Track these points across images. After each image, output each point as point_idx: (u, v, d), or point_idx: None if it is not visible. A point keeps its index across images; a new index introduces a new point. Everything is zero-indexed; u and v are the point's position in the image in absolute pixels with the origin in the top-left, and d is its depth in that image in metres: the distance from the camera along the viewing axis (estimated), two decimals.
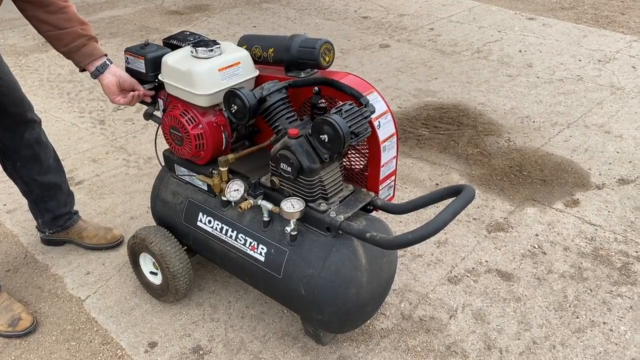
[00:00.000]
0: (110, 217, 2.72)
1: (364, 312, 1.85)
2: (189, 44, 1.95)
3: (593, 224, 2.67)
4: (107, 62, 1.93)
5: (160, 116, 2.00)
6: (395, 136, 1.83)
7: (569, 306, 2.21)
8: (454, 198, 1.58)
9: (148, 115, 2.02)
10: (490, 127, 3.56)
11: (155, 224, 2.24)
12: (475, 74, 4.35)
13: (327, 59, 1.83)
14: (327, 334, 1.99)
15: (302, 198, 1.75)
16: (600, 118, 3.66)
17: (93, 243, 2.47)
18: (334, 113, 1.61)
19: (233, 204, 1.94)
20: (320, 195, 1.76)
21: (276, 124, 1.78)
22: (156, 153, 2.12)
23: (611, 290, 2.29)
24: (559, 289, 2.30)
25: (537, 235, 2.61)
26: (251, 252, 1.87)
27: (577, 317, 2.16)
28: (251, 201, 1.82)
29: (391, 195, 1.96)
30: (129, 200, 2.85)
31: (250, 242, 1.88)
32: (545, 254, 2.49)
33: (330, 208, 1.75)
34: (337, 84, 1.73)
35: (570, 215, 2.74)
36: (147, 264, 2.19)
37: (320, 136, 1.58)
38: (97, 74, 1.93)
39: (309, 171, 1.70)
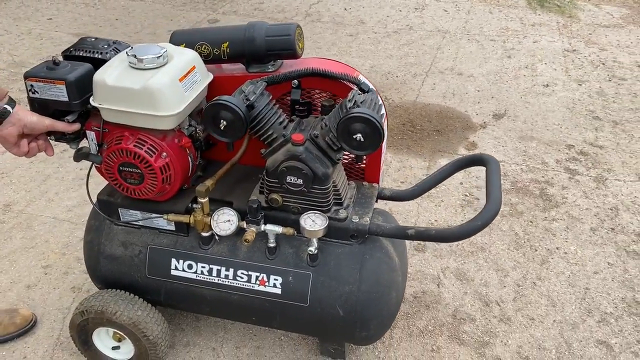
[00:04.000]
0: None
1: (399, 309, 1.71)
2: (109, 53, 1.50)
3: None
4: (7, 109, 1.38)
5: (95, 153, 1.52)
6: (386, 118, 1.68)
7: (524, 242, 2.36)
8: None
9: (82, 156, 1.50)
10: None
11: (97, 288, 1.76)
12: (319, 38, 4.30)
13: (300, 45, 1.58)
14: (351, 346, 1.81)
15: (316, 210, 1.51)
16: (447, 62, 3.93)
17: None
18: (352, 107, 1.39)
19: (217, 237, 1.60)
20: (334, 201, 1.54)
21: (269, 133, 1.49)
22: (90, 200, 1.62)
23: (545, 217, 2.50)
24: (507, 228, 2.43)
25: (461, 183, 2.71)
26: (261, 288, 1.58)
27: (536, 250, 2.32)
28: (254, 229, 1.52)
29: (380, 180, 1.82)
30: (11, 265, 2.19)
31: (257, 276, 1.58)
32: (478, 199, 2.61)
33: (349, 213, 1.55)
34: (330, 73, 1.51)
35: None
36: (104, 339, 1.72)
37: (354, 136, 1.35)
38: None
39: (324, 178, 1.46)
